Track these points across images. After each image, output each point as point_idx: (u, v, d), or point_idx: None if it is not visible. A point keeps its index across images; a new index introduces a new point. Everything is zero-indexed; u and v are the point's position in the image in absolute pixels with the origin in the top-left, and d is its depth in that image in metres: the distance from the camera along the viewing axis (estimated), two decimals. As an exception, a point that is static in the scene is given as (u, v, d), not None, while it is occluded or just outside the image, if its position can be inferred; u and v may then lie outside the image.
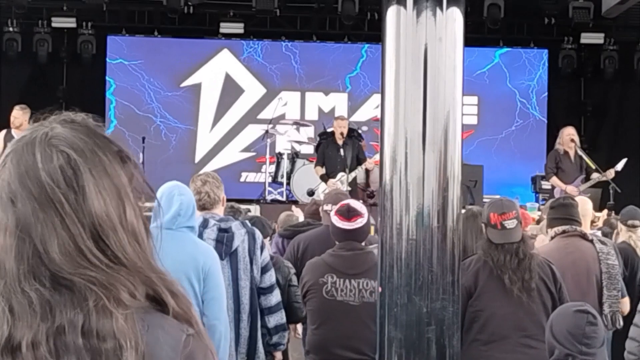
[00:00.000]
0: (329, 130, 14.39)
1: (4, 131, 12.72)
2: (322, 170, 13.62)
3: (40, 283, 1.55)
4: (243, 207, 9.42)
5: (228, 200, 7.09)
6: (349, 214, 6.14)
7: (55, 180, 1.59)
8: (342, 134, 13.71)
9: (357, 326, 5.92)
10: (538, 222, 9.94)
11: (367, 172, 13.55)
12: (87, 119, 1.69)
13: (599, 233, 8.42)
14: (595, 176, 13.37)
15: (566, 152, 13.36)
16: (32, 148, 1.60)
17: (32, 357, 1.51)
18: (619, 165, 13.41)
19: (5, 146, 12.38)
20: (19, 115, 12.56)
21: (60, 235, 1.58)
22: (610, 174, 13.34)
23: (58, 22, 17.74)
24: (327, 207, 7.40)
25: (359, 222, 6.10)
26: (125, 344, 1.53)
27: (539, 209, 12.75)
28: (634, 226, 8.87)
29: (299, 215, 9.32)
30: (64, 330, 1.53)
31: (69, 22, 17.75)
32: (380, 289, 4.85)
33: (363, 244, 6.14)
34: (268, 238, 7.42)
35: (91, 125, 1.68)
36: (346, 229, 6.12)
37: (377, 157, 12.04)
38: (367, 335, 5.34)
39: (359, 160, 13.61)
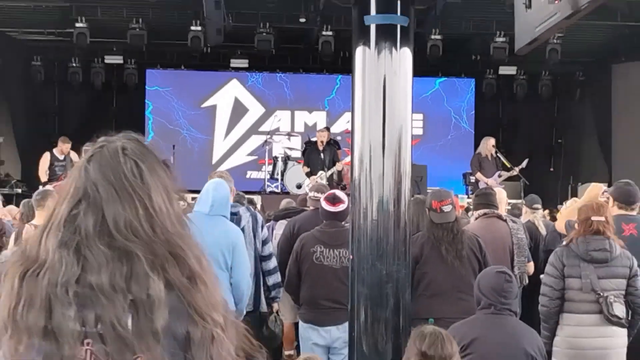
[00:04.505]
0: (312, 139, 14.40)
1: (48, 153, 12.82)
2: (307, 169, 13.69)
3: (103, 244, 1.65)
4: (247, 196, 9.43)
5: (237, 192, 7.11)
6: (334, 200, 6.17)
7: (130, 175, 1.71)
8: (322, 142, 13.74)
9: (337, 284, 5.93)
10: (467, 210, 9.92)
11: (340, 171, 13.56)
12: (141, 137, 1.83)
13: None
14: (504, 173, 13.50)
15: (485, 155, 13.45)
16: (114, 155, 1.73)
17: (96, 290, 1.60)
18: (524, 163, 13.55)
19: (51, 164, 12.64)
20: (65, 143, 12.93)
21: (126, 214, 1.68)
22: (515, 170, 13.48)
23: (109, 59, 17.71)
24: (311, 194, 7.43)
25: (341, 207, 6.14)
26: (153, 297, 1.62)
27: (468, 197, 12.80)
28: (536, 209, 8.94)
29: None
30: (115, 277, 1.62)
31: (118, 59, 17.72)
32: (351, 257, 4.86)
33: (343, 223, 6.15)
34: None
35: (144, 141, 1.82)
36: (331, 211, 6.15)
37: (347, 159, 12.08)
38: (344, 291, 5.35)
39: (334, 162, 13.64)
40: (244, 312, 5.88)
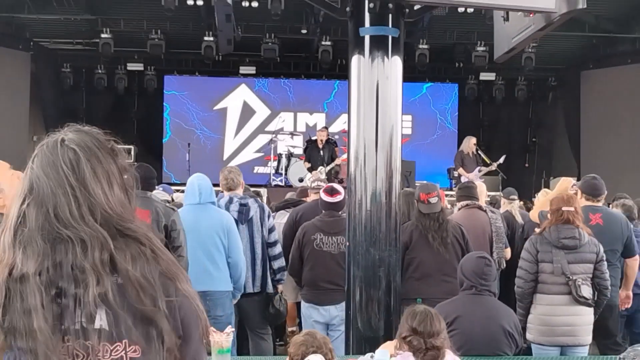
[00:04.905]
0: (313, 138, 14.39)
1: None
2: (308, 165, 13.70)
3: (42, 236, 1.57)
4: (254, 189, 9.42)
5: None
6: (332, 191, 6.15)
7: (68, 164, 1.61)
8: (321, 140, 13.75)
9: (335, 267, 5.92)
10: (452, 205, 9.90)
11: (338, 166, 13.56)
12: (90, 128, 1.72)
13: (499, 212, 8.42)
14: (484, 169, 13.48)
15: (467, 153, 13.43)
16: (53, 148, 1.64)
17: (36, 282, 1.52)
18: (501, 159, 13.52)
19: None
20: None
21: (64, 203, 1.59)
22: (493, 166, 13.46)
23: (131, 66, 17.69)
24: (314, 185, 7.44)
25: (339, 198, 6.12)
26: (91, 279, 1.53)
27: (451, 190, 12.80)
28: (513, 200, 8.92)
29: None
30: (60, 265, 1.54)
31: (139, 66, 17.70)
32: (347, 243, 4.86)
33: (340, 212, 6.14)
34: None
35: (92, 131, 1.70)
36: (330, 201, 6.12)
37: (344, 156, 12.08)
38: (341, 274, 5.33)
39: (332, 158, 13.65)
40: (242, 289, 5.88)
